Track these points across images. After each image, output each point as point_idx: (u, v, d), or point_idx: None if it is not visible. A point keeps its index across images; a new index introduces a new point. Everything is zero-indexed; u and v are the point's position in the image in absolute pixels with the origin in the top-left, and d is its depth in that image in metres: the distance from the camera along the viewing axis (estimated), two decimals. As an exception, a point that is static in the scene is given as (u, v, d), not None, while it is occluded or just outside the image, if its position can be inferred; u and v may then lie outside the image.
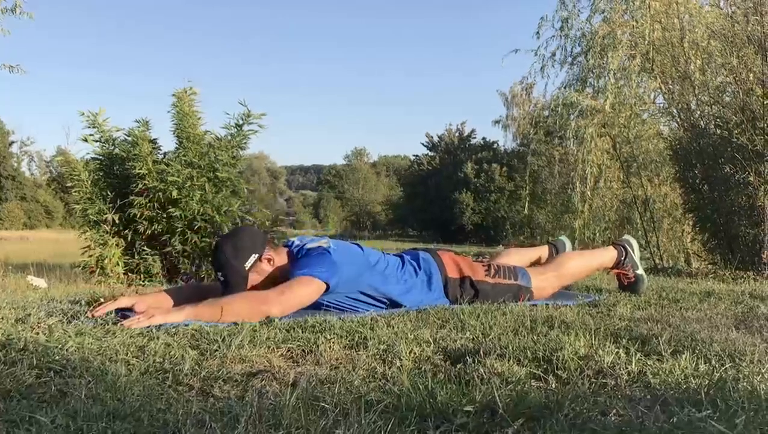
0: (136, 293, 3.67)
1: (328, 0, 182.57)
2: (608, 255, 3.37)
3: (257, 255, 2.59)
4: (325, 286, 2.50)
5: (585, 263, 3.35)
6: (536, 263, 3.38)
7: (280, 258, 2.67)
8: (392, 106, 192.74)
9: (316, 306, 2.54)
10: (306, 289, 2.48)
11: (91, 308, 2.42)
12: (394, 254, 2.96)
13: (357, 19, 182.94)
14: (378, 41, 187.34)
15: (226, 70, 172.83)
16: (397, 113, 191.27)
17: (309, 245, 2.67)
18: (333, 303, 2.60)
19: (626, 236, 3.55)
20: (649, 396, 1.41)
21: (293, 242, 2.76)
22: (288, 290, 2.44)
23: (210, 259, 2.81)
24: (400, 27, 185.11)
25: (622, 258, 3.35)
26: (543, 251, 3.48)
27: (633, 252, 3.39)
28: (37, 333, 1.91)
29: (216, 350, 1.79)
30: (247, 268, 2.56)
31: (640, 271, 3.39)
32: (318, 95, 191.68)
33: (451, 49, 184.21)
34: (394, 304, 2.71)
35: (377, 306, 2.68)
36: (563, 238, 3.62)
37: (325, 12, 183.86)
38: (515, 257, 3.35)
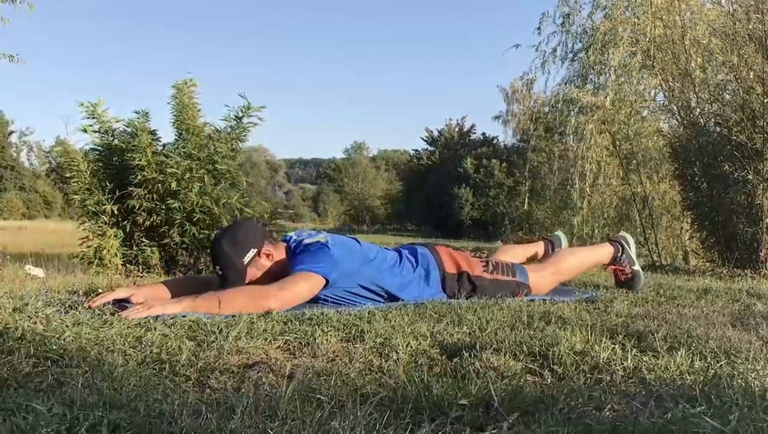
0: (134, 284, 3.68)
1: (328, 0, 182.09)
2: (605, 252, 3.38)
3: (256, 250, 2.59)
4: (324, 281, 2.51)
5: (582, 259, 3.36)
6: (533, 258, 3.39)
7: (279, 253, 2.67)
8: (392, 105, 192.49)
9: (314, 300, 2.54)
10: (305, 284, 2.48)
11: (89, 298, 2.42)
12: (392, 249, 2.97)
13: (357, 20, 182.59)
14: (378, 41, 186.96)
15: (226, 70, 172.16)
16: (396, 111, 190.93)
17: (307, 241, 2.67)
18: (331, 297, 2.61)
19: (622, 233, 3.56)
20: (644, 392, 1.42)
21: (291, 237, 2.76)
22: (287, 285, 2.44)
23: (208, 252, 2.80)
24: (399, 27, 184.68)
25: (619, 254, 3.36)
26: (539, 247, 3.49)
27: (629, 249, 3.40)
28: (35, 323, 1.91)
29: (213, 341, 1.80)
30: (245, 263, 2.56)
31: (637, 267, 3.40)
32: (318, 95, 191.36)
33: (451, 48, 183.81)
34: (392, 298, 2.71)
35: (375, 300, 2.69)
36: (559, 233, 3.63)
37: (326, 12, 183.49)
38: (511, 253, 3.36)
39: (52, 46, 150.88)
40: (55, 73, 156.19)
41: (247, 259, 2.57)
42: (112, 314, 2.16)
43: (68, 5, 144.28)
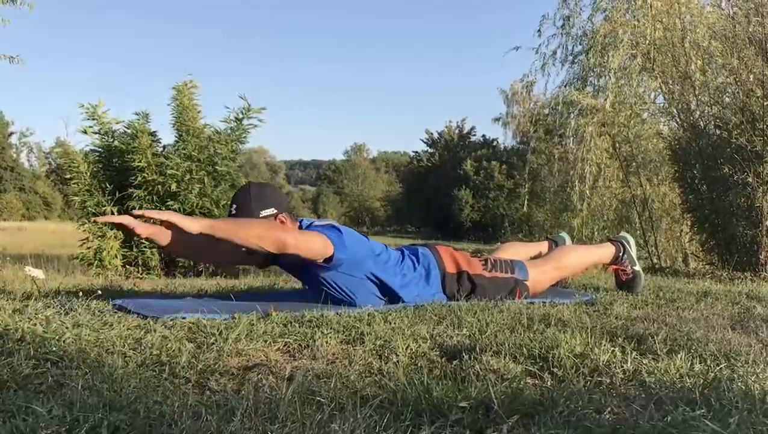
0: (134, 286, 3.68)
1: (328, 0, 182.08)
2: (607, 251, 3.38)
3: (275, 211, 2.62)
4: (332, 249, 2.50)
5: (583, 256, 3.36)
6: (536, 258, 3.39)
7: (293, 226, 2.68)
8: (392, 106, 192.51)
9: (317, 289, 2.55)
10: (318, 239, 2.49)
11: (97, 217, 2.42)
12: (394, 249, 2.98)
13: (357, 20, 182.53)
14: (378, 42, 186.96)
15: (226, 70, 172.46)
16: (396, 113, 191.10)
17: (318, 223, 2.70)
18: (334, 285, 2.60)
19: (623, 233, 3.56)
20: (643, 395, 1.42)
21: (303, 220, 2.77)
22: (302, 233, 2.48)
23: (232, 197, 2.81)
24: (398, 28, 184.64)
25: (620, 254, 3.36)
26: (543, 247, 3.49)
27: (631, 249, 3.40)
28: (35, 324, 1.91)
29: (213, 343, 1.80)
30: (261, 216, 2.58)
31: (638, 268, 3.40)
32: (318, 95, 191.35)
33: (451, 50, 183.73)
34: (392, 298, 2.72)
35: (376, 295, 2.69)
36: (563, 234, 3.63)
37: (326, 12, 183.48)
38: (514, 251, 3.36)
39: (53, 45, 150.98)
40: (56, 74, 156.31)
41: (264, 213, 2.59)
42: (113, 313, 2.16)
43: (68, 5, 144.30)
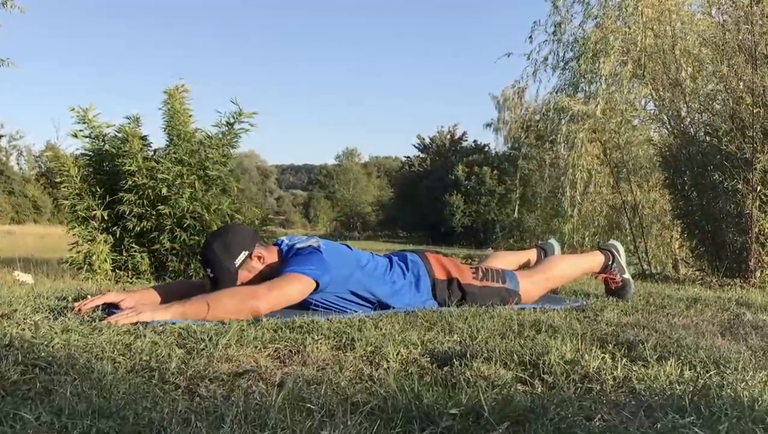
0: (124, 290, 3.66)
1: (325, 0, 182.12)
2: (596, 260, 3.39)
3: (248, 252, 2.58)
4: (314, 284, 2.50)
5: (573, 266, 3.37)
6: (525, 266, 3.40)
7: (271, 256, 2.66)
8: (384, 111, 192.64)
9: (304, 306, 2.54)
10: (295, 286, 2.47)
11: (78, 303, 2.40)
12: (382, 256, 2.97)
13: (358, 19, 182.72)
14: (371, 45, 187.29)
15: (215, 72, 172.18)
16: (388, 118, 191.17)
17: (299, 245, 2.67)
18: (322, 302, 2.60)
19: (612, 241, 3.58)
20: (633, 402, 1.42)
21: (283, 241, 2.76)
22: (277, 286, 2.43)
23: (199, 256, 2.79)
24: (391, 31, 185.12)
25: (610, 263, 3.37)
26: (531, 255, 3.50)
27: (620, 257, 3.41)
28: (23, 329, 1.90)
29: (203, 349, 1.79)
30: (237, 265, 2.55)
31: (627, 275, 3.41)
32: (309, 98, 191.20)
33: (445, 52, 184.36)
34: (382, 305, 2.71)
35: (365, 307, 2.68)
36: (552, 241, 3.63)
37: (324, 12, 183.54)
38: (504, 259, 3.37)
39: (43, 47, 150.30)
40: (47, 76, 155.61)
41: (238, 262, 2.56)
42: (101, 320, 2.14)
43: (64, 5, 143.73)
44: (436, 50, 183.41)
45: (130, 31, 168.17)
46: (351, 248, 2.83)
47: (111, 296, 2.45)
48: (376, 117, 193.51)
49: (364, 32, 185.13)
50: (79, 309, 2.29)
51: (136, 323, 2.11)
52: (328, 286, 2.56)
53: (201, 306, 2.26)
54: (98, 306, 2.35)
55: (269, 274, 2.57)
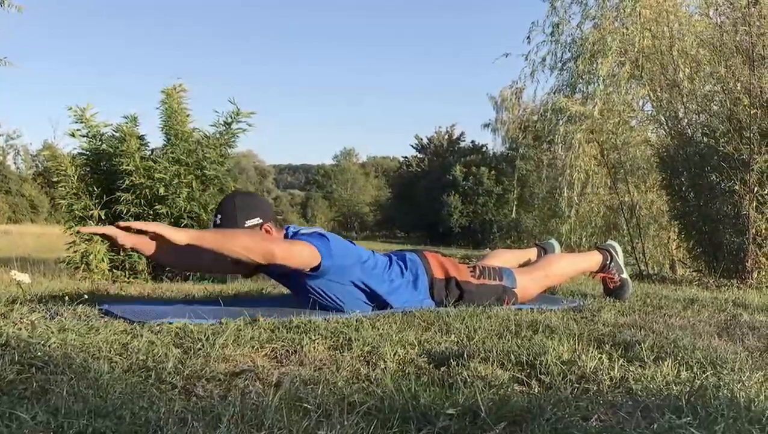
0: (121, 290, 3.66)
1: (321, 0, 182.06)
2: (594, 259, 3.40)
3: (261, 220, 2.61)
4: (319, 258, 2.48)
5: (571, 265, 3.38)
6: (525, 265, 3.40)
7: (279, 235, 2.67)
8: (382, 111, 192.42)
9: (304, 297, 2.54)
10: (305, 249, 2.47)
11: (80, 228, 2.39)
12: (382, 254, 2.97)
13: (358, 19, 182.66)
14: (369, 44, 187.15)
15: (225, 70, 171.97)
16: (386, 117, 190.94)
17: (304, 231, 2.68)
18: (321, 292, 2.59)
19: (610, 241, 3.58)
20: (630, 402, 1.42)
21: (289, 228, 2.76)
22: (288, 242, 2.47)
23: (218, 204, 2.80)
24: (394, 28, 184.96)
25: (608, 262, 3.38)
26: (531, 254, 3.50)
27: (618, 257, 3.41)
28: (20, 329, 1.90)
29: (200, 349, 1.79)
30: (246, 226, 2.56)
31: (625, 275, 3.41)
32: (307, 98, 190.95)
33: (445, 52, 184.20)
34: (380, 304, 2.71)
35: (364, 302, 2.68)
36: (552, 241, 3.63)
37: (322, 12, 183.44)
38: (502, 258, 3.37)
39: (43, 47, 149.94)
40: (44, 75, 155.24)
41: (249, 223, 2.57)
42: (99, 317, 2.14)
43: (64, 5, 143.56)
44: (436, 50, 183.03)
45: (130, 31, 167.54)
46: (354, 243, 2.83)
47: (110, 229, 2.41)
48: (376, 117, 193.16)
49: (364, 32, 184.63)
50: (79, 231, 2.30)
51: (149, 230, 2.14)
52: (329, 271, 2.55)
53: (217, 235, 2.29)
54: (94, 306, 2.35)
55: None
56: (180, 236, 2.21)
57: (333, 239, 2.62)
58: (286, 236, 2.69)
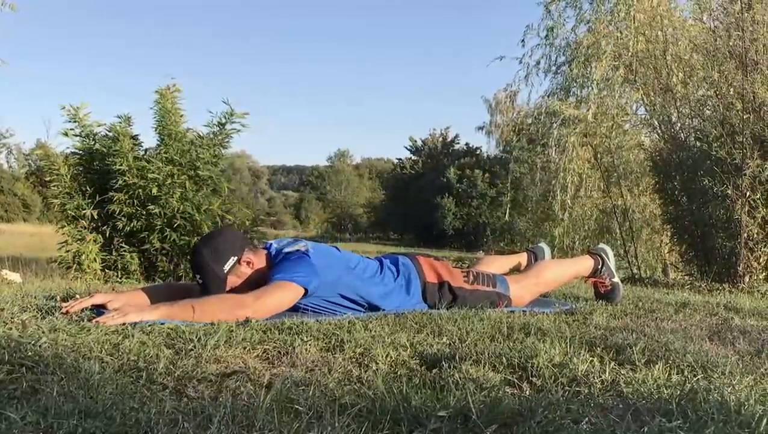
0: (113, 290, 3.65)
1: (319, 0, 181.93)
2: (585, 264, 3.40)
3: (236, 258, 2.57)
4: (303, 291, 2.49)
5: (563, 271, 3.39)
6: (516, 269, 3.40)
7: (259, 261, 2.65)
8: (376, 113, 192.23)
9: (293, 308, 2.53)
10: (284, 293, 2.46)
11: (66, 304, 2.38)
12: (373, 258, 2.97)
13: (358, 19, 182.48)
14: (365, 45, 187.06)
15: (225, 70, 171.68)
16: (380, 119, 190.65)
17: (287, 249, 2.66)
18: (311, 306, 2.59)
19: (602, 245, 3.58)
20: (621, 405, 1.43)
21: (271, 245, 2.75)
22: (265, 294, 2.42)
23: (188, 260, 2.77)
24: (393, 28, 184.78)
25: (599, 267, 3.38)
26: (522, 258, 3.50)
27: (609, 261, 3.42)
28: (10, 329, 1.89)
29: (191, 349, 1.78)
30: (225, 271, 2.54)
31: (617, 279, 3.42)
32: (311, 96, 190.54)
33: (445, 52, 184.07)
34: (372, 308, 2.71)
35: (356, 310, 2.68)
36: (543, 245, 3.64)
37: (322, 12, 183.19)
38: (495, 264, 3.37)
39: (42, 47, 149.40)
40: (37, 74, 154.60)
41: (227, 267, 2.54)
42: (90, 320, 2.13)
43: (64, 4, 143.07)
44: (435, 50, 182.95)
45: (129, 31, 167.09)
46: (340, 250, 2.83)
47: (99, 297, 2.43)
48: (375, 117, 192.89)
49: (364, 32, 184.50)
50: (67, 311, 2.27)
51: (124, 323, 2.10)
52: (317, 290, 2.55)
53: (187, 310, 2.25)
54: (86, 307, 2.34)
55: (258, 279, 2.56)
56: (150, 317, 2.19)
57: (315, 255, 2.60)
58: (268, 257, 2.68)
